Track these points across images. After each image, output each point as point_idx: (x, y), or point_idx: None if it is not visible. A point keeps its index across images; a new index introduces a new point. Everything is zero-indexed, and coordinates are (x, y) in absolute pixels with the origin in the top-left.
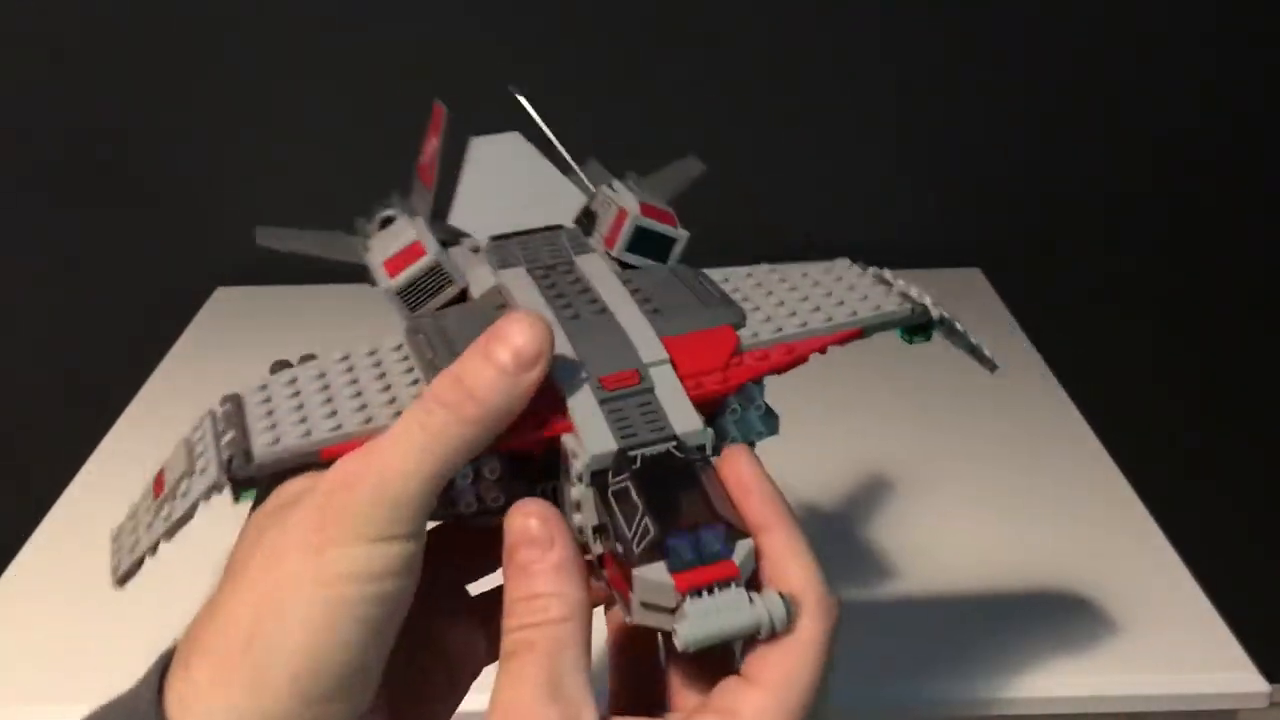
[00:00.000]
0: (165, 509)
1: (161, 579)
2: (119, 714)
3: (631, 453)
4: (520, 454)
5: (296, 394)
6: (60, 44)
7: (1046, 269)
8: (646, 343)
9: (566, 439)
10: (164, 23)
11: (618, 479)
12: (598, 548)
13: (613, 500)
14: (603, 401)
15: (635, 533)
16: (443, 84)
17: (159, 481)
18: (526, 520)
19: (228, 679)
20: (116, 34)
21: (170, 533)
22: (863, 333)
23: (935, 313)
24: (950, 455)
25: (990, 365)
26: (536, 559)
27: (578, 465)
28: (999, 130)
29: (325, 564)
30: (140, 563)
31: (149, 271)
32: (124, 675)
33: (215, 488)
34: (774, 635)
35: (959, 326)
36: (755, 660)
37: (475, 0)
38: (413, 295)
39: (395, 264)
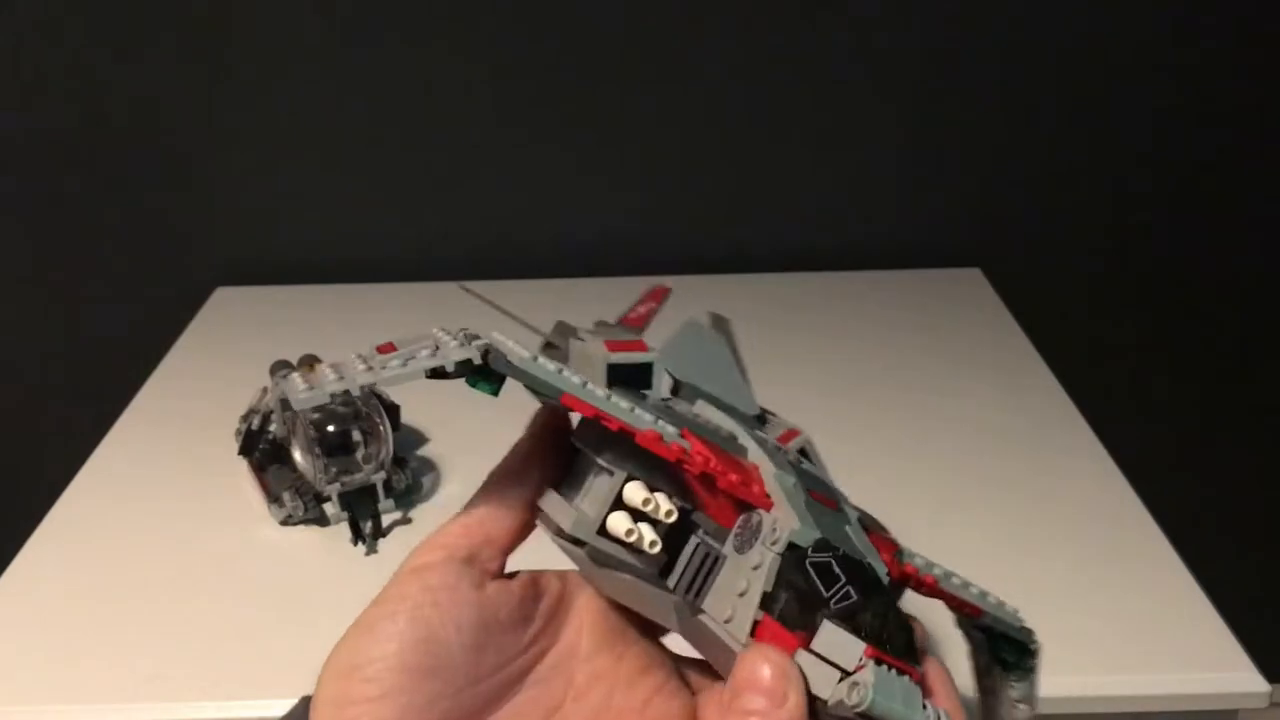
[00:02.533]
0: (396, 360)
1: (162, 581)
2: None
3: (835, 545)
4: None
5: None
6: (61, 43)
7: (1046, 269)
8: (842, 496)
9: (764, 514)
10: (165, 22)
11: (820, 554)
12: (757, 614)
13: (810, 569)
14: (807, 504)
15: (835, 594)
16: (441, 86)
17: (385, 347)
18: (762, 666)
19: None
20: (118, 33)
21: (397, 379)
22: (981, 615)
23: (1037, 646)
24: (949, 455)
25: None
26: (765, 712)
27: (779, 532)
28: (999, 130)
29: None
30: (341, 394)
31: (149, 271)
32: (124, 675)
33: (467, 361)
34: None
35: (1030, 678)
36: None
37: (474, 9)
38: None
39: (616, 346)
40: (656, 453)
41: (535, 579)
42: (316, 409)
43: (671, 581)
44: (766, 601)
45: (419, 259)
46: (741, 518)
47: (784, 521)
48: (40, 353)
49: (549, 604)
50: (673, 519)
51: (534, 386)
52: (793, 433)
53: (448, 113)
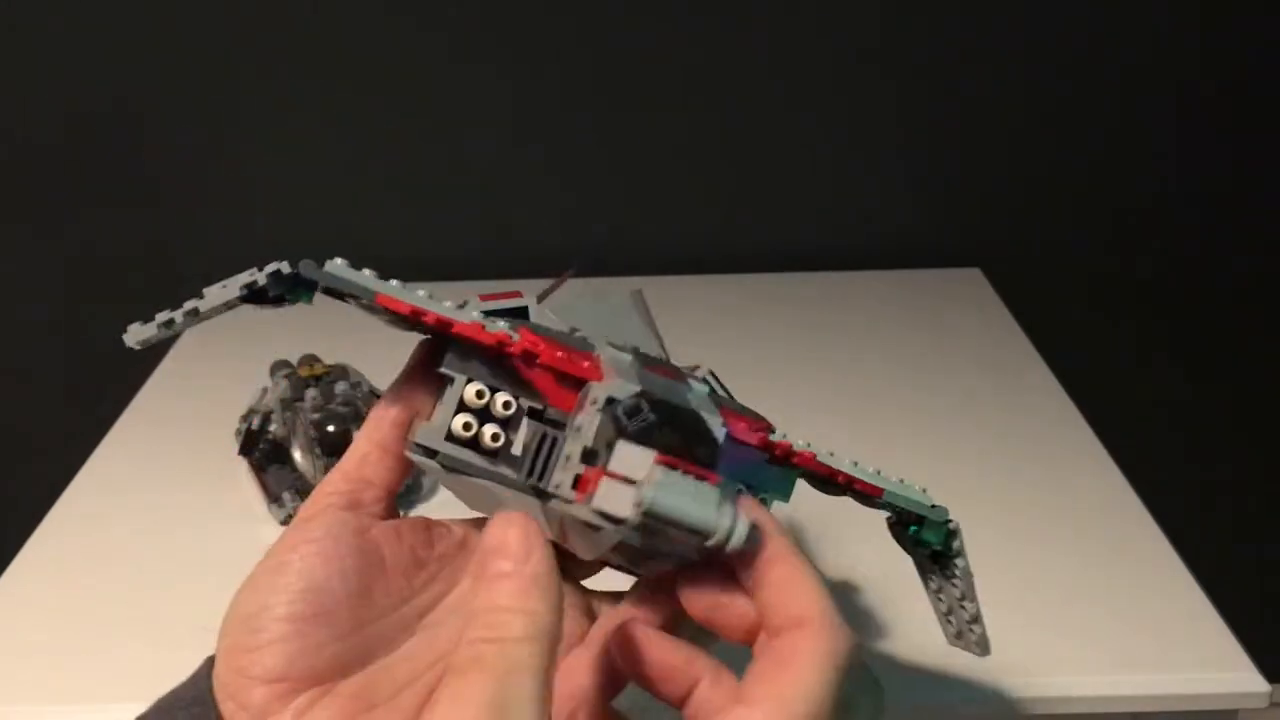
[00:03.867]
0: (217, 285)
1: (162, 582)
2: (191, 676)
3: (652, 393)
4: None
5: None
6: (59, 43)
7: (1046, 269)
8: (695, 380)
9: (595, 386)
10: (165, 22)
11: (636, 414)
12: (578, 468)
13: (620, 412)
14: (639, 373)
15: (634, 422)
16: (444, 86)
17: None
18: (503, 529)
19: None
20: (117, 33)
21: (215, 305)
22: (883, 495)
23: (955, 524)
24: (949, 455)
25: (981, 651)
26: (508, 571)
27: (596, 391)
28: (999, 130)
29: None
30: (165, 326)
31: (149, 271)
32: (124, 675)
33: (277, 273)
34: (722, 551)
35: (961, 565)
36: (750, 681)
37: (478, 10)
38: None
39: (490, 299)
40: (475, 339)
41: (428, 524)
42: (317, 409)
43: (521, 472)
44: (589, 457)
45: (420, 258)
46: (579, 397)
47: (605, 384)
48: (40, 353)
49: (445, 549)
50: (510, 410)
51: (347, 290)
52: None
53: (450, 113)
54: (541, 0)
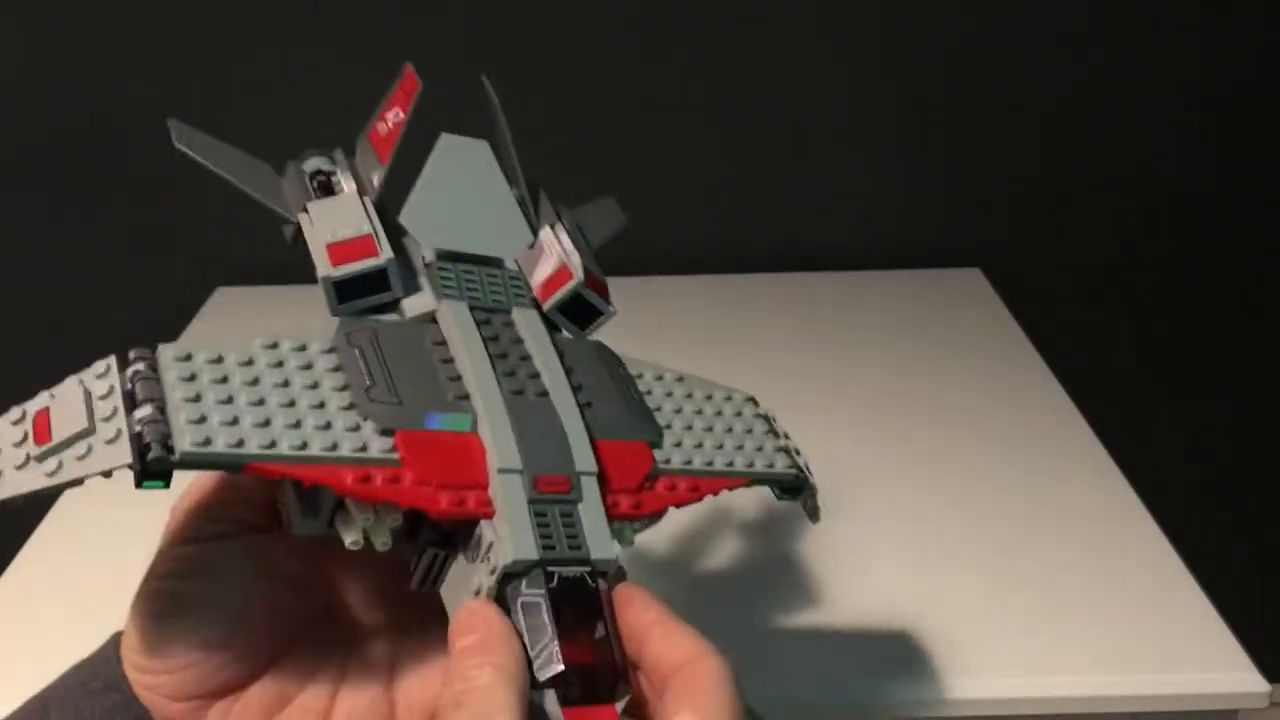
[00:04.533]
0: (51, 462)
1: None
2: (97, 655)
3: (550, 569)
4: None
5: (224, 381)
6: (59, 43)
7: (1046, 269)
8: (580, 449)
9: (485, 525)
10: (165, 22)
11: (532, 591)
12: None
13: (520, 610)
14: (531, 501)
15: (540, 655)
16: (442, 85)
17: (42, 421)
18: (467, 615)
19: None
20: (117, 33)
21: (51, 490)
22: (750, 483)
23: (812, 481)
24: (949, 454)
25: (814, 516)
26: (471, 642)
27: (495, 559)
28: (999, 130)
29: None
30: (34, 494)
31: (149, 271)
32: None
33: (124, 467)
34: None
35: (814, 488)
36: (666, 713)
37: (478, 10)
38: (348, 289)
39: (341, 252)
40: (361, 499)
41: None
42: None
43: (413, 582)
44: None
45: None
46: (474, 534)
47: (500, 544)
48: (41, 352)
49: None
50: (397, 524)
51: (209, 467)
52: (561, 277)
53: (448, 111)
54: (541, 0)
